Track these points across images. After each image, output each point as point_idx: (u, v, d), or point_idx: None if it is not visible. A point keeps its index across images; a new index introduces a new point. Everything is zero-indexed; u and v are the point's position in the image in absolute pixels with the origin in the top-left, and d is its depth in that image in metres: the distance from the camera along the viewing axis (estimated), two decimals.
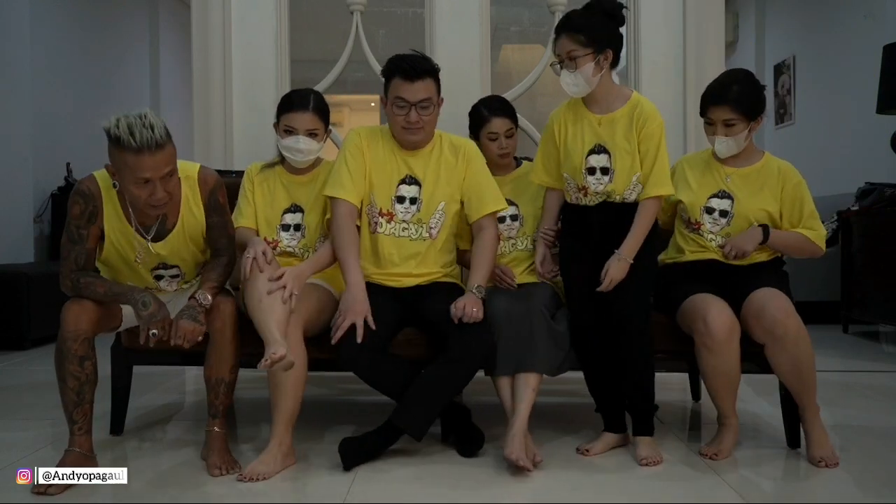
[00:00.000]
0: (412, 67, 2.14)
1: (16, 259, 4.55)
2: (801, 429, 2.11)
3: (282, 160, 2.36)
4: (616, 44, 2.09)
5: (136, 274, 2.07)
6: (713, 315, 2.01)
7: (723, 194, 2.22)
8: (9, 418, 2.59)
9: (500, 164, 2.41)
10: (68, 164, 5.10)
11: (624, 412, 2.16)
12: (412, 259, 2.25)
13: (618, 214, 2.10)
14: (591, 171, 2.10)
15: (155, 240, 2.02)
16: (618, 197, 2.10)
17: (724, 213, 2.21)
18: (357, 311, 2.04)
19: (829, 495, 1.85)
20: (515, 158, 2.49)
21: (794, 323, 1.99)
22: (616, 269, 2.04)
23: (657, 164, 2.07)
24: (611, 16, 2.06)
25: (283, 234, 2.31)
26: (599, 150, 2.10)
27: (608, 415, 2.18)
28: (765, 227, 2.16)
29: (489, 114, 2.37)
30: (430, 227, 2.26)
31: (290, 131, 2.24)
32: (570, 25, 2.05)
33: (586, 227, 2.15)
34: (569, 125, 2.16)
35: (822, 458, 2.04)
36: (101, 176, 1.98)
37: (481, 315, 2.06)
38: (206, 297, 1.97)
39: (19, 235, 4.72)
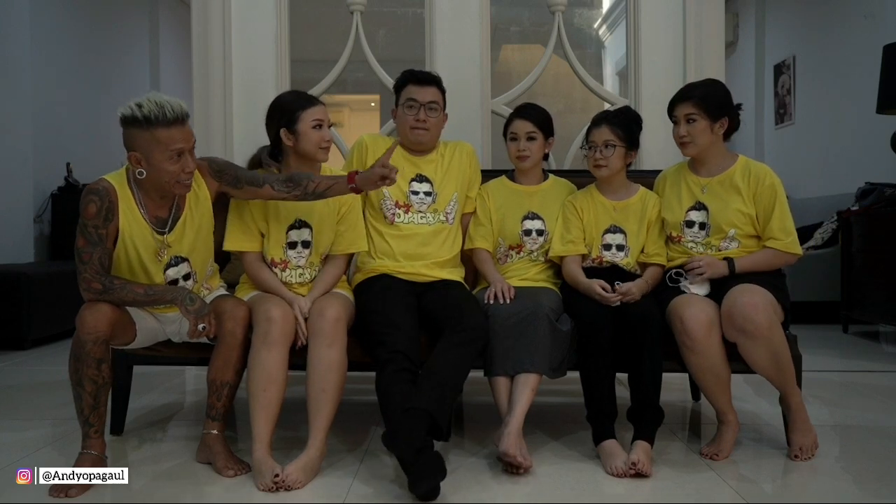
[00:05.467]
0: (423, 74, 2.40)
1: (16, 259, 4.56)
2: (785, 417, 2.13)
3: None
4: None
5: (148, 277, 2.01)
6: (689, 313, 2.04)
7: (699, 206, 2.27)
8: (9, 418, 2.59)
9: (521, 169, 2.44)
10: (68, 164, 5.11)
11: (615, 417, 2.10)
12: (429, 245, 2.32)
13: (623, 273, 2.32)
14: (608, 247, 2.35)
15: (167, 232, 2.00)
16: (629, 268, 2.33)
17: (702, 226, 2.26)
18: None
19: (829, 495, 1.85)
20: (543, 171, 2.51)
21: (763, 319, 1.98)
22: (637, 287, 2.19)
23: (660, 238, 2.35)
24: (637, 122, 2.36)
25: (289, 252, 2.19)
26: (615, 229, 2.34)
27: (605, 419, 2.08)
28: (730, 261, 2.19)
29: (513, 115, 2.45)
30: (447, 213, 2.39)
31: (318, 126, 2.16)
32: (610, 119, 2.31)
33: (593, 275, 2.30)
34: (587, 208, 2.37)
35: (802, 446, 2.07)
36: (111, 176, 1.97)
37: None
38: None
39: (19, 235, 4.73)
